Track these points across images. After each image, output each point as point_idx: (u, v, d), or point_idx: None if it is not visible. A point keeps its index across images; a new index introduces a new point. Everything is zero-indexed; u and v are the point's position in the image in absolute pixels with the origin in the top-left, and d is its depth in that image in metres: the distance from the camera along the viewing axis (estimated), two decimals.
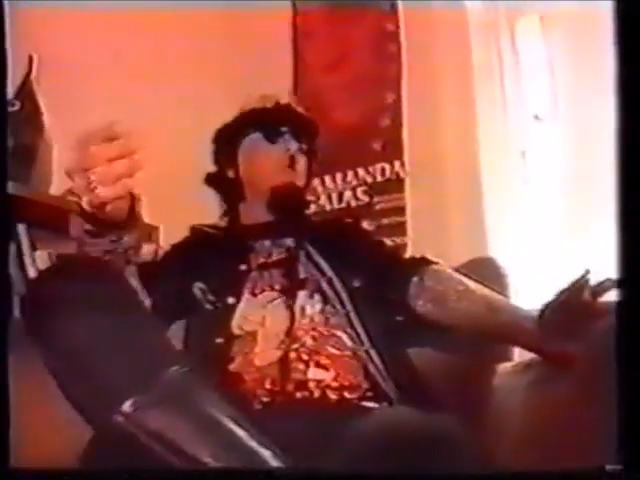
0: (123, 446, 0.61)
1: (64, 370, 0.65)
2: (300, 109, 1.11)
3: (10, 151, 1.16)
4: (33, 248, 1.13)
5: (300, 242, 0.98)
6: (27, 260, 1.11)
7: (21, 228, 1.14)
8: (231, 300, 0.89)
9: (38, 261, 1.11)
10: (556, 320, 0.73)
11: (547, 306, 0.75)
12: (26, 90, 1.20)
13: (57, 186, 1.22)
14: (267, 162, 1.03)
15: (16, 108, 1.17)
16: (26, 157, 1.17)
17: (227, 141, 1.07)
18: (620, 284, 0.56)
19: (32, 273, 1.10)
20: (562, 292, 0.73)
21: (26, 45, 1.24)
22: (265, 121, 1.04)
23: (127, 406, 0.60)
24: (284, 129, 1.04)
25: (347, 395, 0.82)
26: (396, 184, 1.61)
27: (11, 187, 1.12)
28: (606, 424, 0.53)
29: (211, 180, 1.10)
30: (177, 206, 1.35)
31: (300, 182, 1.05)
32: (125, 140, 0.64)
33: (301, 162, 1.05)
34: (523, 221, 1.48)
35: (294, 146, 1.04)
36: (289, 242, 0.99)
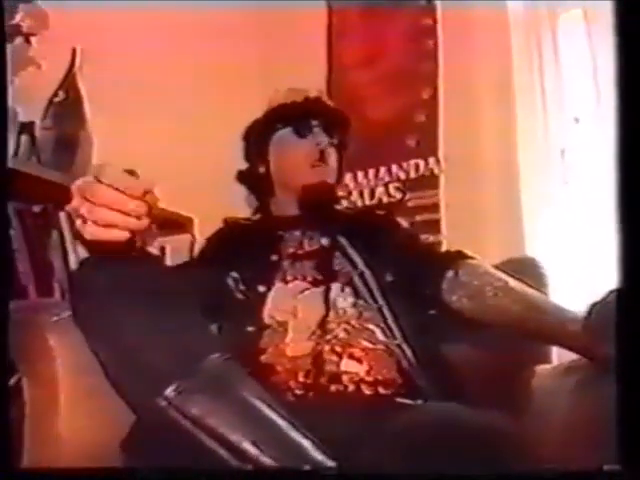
0: (165, 431, 0.62)
1: (109, 356, 0.67)
2: (330, 102, 1.10)
3: (54, 140, 1.20)
4: (74, 237, 1.15)
5: (332, 235, 0.98)
6: (69, 248, 1.14)
7: (62, 216, 1.16)
8: (262, 289, 0.89)
9: (79, 249, 1.13)
10: (604, 320, 0.71)
11: (594, 306, 0.73)
12: (69, 81, 1.23)
13: None
14: (297, 157, 1.02)
15: (60, 98, 1.20)
16: (68, 146, 1.20)
17: (258, 137, 1.07)
18: (620, 283, 0.55)
19: (74, 261, 1.12)
20: (610, 292, 0.71)
21: (69, 38, 1.27)
22: (295, 115, 1.03)
23: (170, 391, 0.61)
24: (314, 123, 1.02)
25: (381, 391, 0.81)
26: (430, 180, 1.59)
27: (54, 175, 1.16)
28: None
29: (242, 177, 1.10)
30: (212, 199, 1.37)
31: (331, 177, 1.04)
32: (140, 184, 0.60)
33: (332, 156, 1.04)
34: (561, 220, 1.45)
35: (325, 140, 1.03)
36: (321, 235, 0.98)
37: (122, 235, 0.62)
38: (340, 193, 1.24)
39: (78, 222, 0.63)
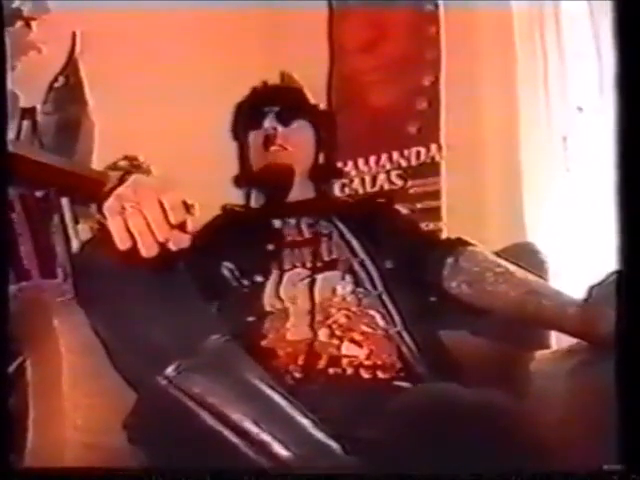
0: (166, 409, 0.62)
1: (111, 336, 0.67)
2: (294, 84, 1.08)
3: (56, 125, 1.20)
4: (75, 221, 1.16)
5: (331, 222, 0.98)
6: (70, 232, 1.15)
7: (64, 201, 1.16)
8: (260, 278, 0.90)
9: (81, 233, 1.14)
10: (604, 302, 0.71)
11: (593, 288, 0.73)
12: (70, 66, 1.23)
13: (98, 160, 1.25)
14: (255, 147, 1.03)
15: (60, 84, 1.20)
16: (70, 131, 1.20)
17: (237, 137, 1.07)
18: (620, 283, 0.55)
19: (75, 245, 1.13)
20: (610, 275, 0.71)
21: (70, 22, 1.26)
22: (246, 109, 1.04)
23: (170, 370, 0.62)
24: (266, 110, 1.02)
25: (380, 374, 0.82)
26: (431, 168, 1.59)
27: (56, 160, 1.16)
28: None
29: (237, 181, 1.09)
30: (212, 185, 1.37)
31: (292, 159, 1.01)
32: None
33: (295, 139, 1.02)
34: (563, 207, 1.45)
35: (273, 125, 1.01)
36: (320, 222, 0.98)
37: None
38: (341, 181, 1.22)
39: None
